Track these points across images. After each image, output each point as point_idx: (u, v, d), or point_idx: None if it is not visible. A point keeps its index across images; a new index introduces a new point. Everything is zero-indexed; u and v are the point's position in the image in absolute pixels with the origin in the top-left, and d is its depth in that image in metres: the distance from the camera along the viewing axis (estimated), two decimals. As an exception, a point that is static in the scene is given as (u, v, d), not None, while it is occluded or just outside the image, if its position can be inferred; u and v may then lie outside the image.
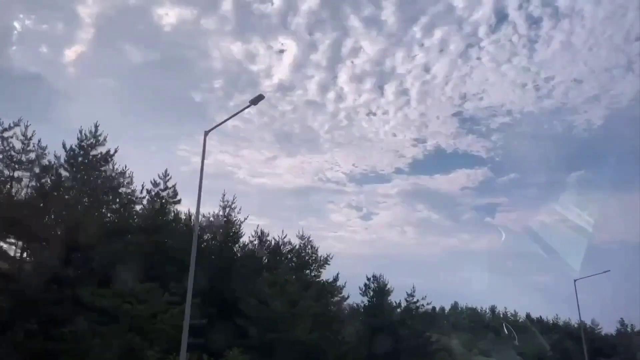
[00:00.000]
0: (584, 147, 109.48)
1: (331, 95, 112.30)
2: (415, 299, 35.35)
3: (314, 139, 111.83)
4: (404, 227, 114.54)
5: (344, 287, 33.23)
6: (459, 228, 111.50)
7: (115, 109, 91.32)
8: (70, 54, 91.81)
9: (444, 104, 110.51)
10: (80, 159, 22.89)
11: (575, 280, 34.77)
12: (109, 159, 23.71)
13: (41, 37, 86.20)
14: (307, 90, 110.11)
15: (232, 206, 29.78)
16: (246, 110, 15.78)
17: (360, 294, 34.50)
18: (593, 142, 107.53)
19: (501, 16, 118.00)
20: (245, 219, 31.36)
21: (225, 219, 28.78)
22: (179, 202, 26.04)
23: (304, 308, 25.11)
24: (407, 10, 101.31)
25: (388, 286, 35.09)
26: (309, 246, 34.17)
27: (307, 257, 33.84)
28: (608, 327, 67.20)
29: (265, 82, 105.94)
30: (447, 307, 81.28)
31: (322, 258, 34.05)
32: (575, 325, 65.55)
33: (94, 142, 23.28)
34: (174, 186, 26.26)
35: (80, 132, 23.06)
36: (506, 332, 56.71)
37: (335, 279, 32.92)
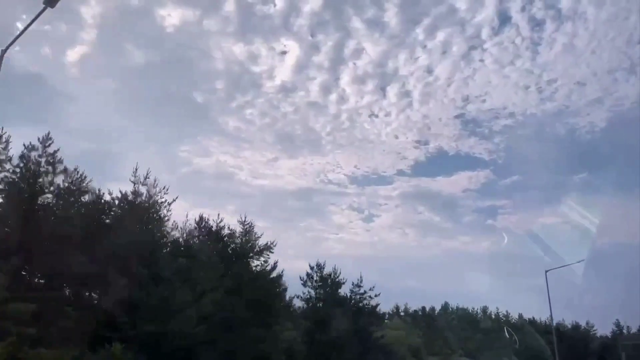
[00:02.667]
0: (586, 149, 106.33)
1: (333, 96, 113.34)
2: (362, 290, 31.63)
3: (315, 141, 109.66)
4: (405, 229, 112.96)
5: (281, 275, 29.72)
6: (460, 230, 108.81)
7: (117, 109, 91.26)
8: (73, 54, 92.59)
9: (447, 105, 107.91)
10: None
11: (546, 272, 32.35)
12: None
13: (44, 38, 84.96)
14: (309, 91, 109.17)
15: (148, 182, 25.93)
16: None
17: (301, 284, 30.95)
18: (596, 144, 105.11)
19: (504, 18, 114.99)
20: (175, 200, 28.03)
21: (137, 197, 25.18)
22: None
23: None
24: (410, 12, 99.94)
25: (339, 277, 31.50)
26: (251, 233, 30.73)
27: (248, 245, 30.41)
28: (607, 329, 64.97)
29: (268, 83, 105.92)
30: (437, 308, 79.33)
31: (262, 245, 30.66)
32: (569, 327, 63.58)
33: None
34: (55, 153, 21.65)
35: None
36: (507, 335, 51.61)
37: (274, 267, 29.50)
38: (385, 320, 71.26)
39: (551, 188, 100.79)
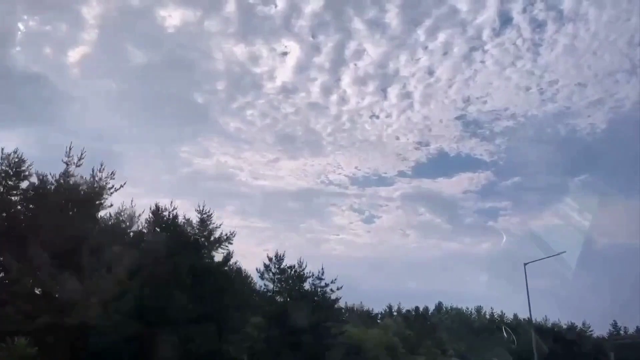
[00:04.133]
0: (587, 151, 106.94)
1: (334, 97, 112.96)
2: (323, 283, 29.35)
3: (316, 142, 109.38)
4: (406, 231, 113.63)
5: (239, 268, 27.65)
6: (461, 231, 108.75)
7: (118, 110, 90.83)
8: (74, 55, 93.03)
9: (447, 107, 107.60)
10: None
11: (525, 264, 30.96)
12: None
13: (45, 38, 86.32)
14: (310, 92, 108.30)
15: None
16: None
17: (258, 276, 28.73)
18: (597, 146, 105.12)
19: (505, 19, 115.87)
20: (122, 186, 26.01)
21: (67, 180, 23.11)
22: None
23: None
24: (411, 13, 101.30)
25: (304, 270, 29.25)
26: (207, 223, 28.66)
27: (204, 235, 28.36)
28: (605, 330, 64.96)
29: (268, 84, 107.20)
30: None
31: (222, 236, 28.60)
32: (565, 327, 62.19)
33: None
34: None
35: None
36: (505, 335, 53.50)
37: (227, 258, 27.30)
38: (378, 321, 70.33)
39: (552, 189, 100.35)
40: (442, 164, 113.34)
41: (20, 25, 77.45)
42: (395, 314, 76.62)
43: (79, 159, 23.60)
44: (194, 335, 23.03)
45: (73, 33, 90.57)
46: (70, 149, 23.67)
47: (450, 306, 76.58)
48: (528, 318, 69.20)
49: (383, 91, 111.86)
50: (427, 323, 72.90)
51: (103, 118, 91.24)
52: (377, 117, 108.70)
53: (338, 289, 29.31)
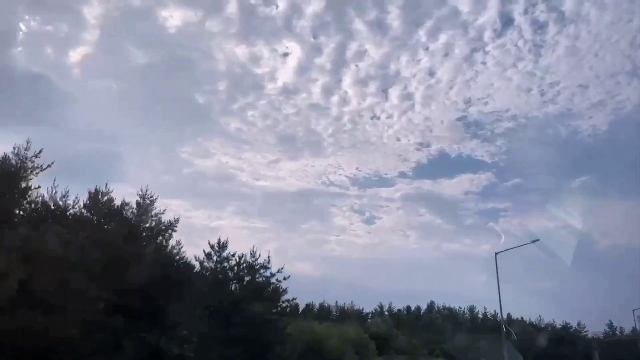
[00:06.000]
0: (588, 152, 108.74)
1: (335, 98, 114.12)
2: (269, 273, 27.06)
3: (317, 142, 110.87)
4: (407, 231, 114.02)
5: (183, 259, 25.56)
6: (461, 232, 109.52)
7: (118, 110, 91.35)
8: (75, 55, 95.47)
9: (449, 108, 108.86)
10: None
11: (496, 253, 29.33)
12: None
13: (46, 38, 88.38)
14: (311, 93, 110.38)
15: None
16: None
17: (198, 265, 26.49)
18: (598, 147, 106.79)
19: (506, 20, 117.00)
20: (50, 165, 23.99)
21: None
22: None
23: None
24: (412, 14, 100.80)
25: (257, 260, 27.02)
26: (148, 208, 26.67)
27: (145, 222, 26.38)
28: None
29: (269, 85, 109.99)
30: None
31: (165, 224, 26.58)
32: (559, 327, 60.42)
33: None
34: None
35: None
36: (504, 332, 53.49)
37: (162, 246, 25.22)
38: (368, 320, 68.51)
39: (553, 191, 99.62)
40: (443, 165, 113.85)
41: (22, 25, 79.08)
42: (386, 313, 74.92)
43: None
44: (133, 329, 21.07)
45: (74, 33, 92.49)
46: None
47: (443, 305, 74.43)
48: (520, 318, 68.54)
49: (384, 92, 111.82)
50: (418, 323, 71.23)
51: (104, 118, 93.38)
52: (378, 118, 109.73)
53: (285, 278, 27.10)
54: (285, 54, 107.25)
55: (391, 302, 75.94)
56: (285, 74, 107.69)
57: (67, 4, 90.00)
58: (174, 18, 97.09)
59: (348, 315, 69.43)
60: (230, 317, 24.30)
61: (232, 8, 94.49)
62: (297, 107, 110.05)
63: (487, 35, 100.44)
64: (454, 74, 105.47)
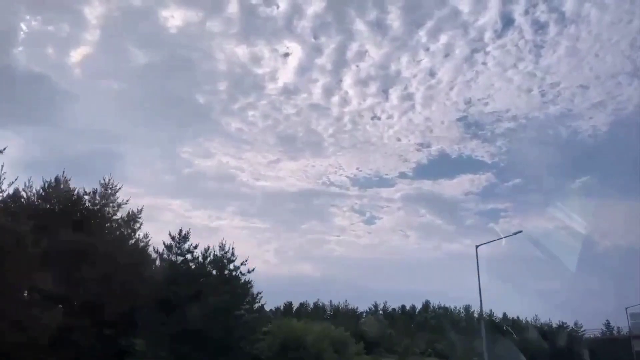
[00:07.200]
0: (589, 153, 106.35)
1: (336, 99, 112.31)
2: (231, 266, 25.55)
3: (317, 143, 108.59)
4: (407, 232, 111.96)
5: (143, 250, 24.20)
6: (462, 233, 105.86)
7: (119, 110, 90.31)
8: (76, 55, 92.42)
9: (449, 108, 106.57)
10: None
11: (477, 247, 28.61)
12: None
13: (47, 38, 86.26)
14: (311, 93, 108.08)
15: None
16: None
17: (158, 257, 25.03)
18: (598, 148, 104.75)
19: (507, 21, 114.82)
20: (4, 149, 22.80)
21: None
22: None
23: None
24: (413, 15, 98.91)
25: (227, 253, 25.55)
26: (109, 197, 25.41)
27: (106, 212, 25.09)
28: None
29: (270, 85, 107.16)
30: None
31: (129, 215, 25.35)
32: (555, 327, 59.08)
33: None
34: None
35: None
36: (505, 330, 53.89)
37: (119, 237, 23.91)
38: (362, 319, 67.33)
39: (553, 191, 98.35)
40: (443, 166, 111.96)
41: (23, 25, 77.95)
42: (380, 312, 73.71)
43: None
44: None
45: (75, 33, 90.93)
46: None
47: (438, 305, 72.99)
48: (517, 317, 67.00)
49: (384, 92, 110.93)
50: (413, 322, 69.91)
51: (104, 118, 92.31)
52: (379, 118, 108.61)
53: (249, 271, 25.64)
54: (286, 54, 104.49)
55: (386, 302, 74.74)
56: (286, 74, 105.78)
57: (68, 4, 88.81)
58: (174, 18, 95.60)
59: (342, 315, 68.33)
60: (186, 311, 22.91)
61: (232, 8, 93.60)
62: (298, 108, 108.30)
63: (488, 35, 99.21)
64: (454, 75, 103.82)
